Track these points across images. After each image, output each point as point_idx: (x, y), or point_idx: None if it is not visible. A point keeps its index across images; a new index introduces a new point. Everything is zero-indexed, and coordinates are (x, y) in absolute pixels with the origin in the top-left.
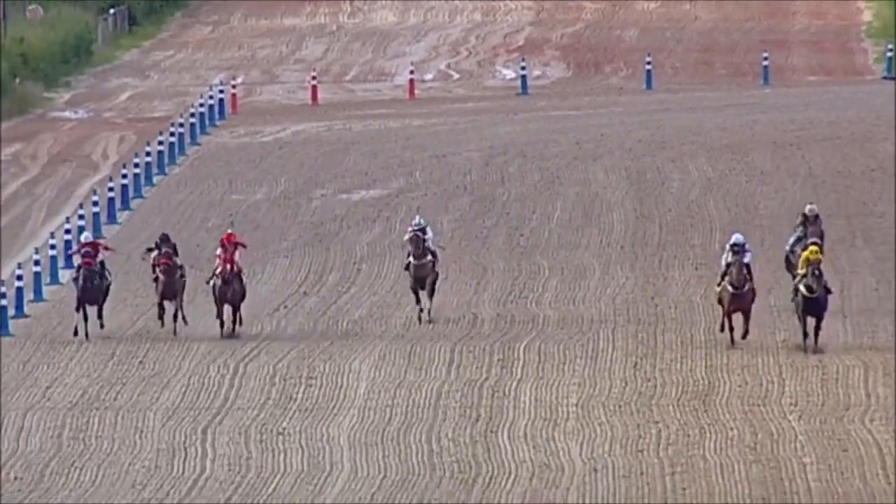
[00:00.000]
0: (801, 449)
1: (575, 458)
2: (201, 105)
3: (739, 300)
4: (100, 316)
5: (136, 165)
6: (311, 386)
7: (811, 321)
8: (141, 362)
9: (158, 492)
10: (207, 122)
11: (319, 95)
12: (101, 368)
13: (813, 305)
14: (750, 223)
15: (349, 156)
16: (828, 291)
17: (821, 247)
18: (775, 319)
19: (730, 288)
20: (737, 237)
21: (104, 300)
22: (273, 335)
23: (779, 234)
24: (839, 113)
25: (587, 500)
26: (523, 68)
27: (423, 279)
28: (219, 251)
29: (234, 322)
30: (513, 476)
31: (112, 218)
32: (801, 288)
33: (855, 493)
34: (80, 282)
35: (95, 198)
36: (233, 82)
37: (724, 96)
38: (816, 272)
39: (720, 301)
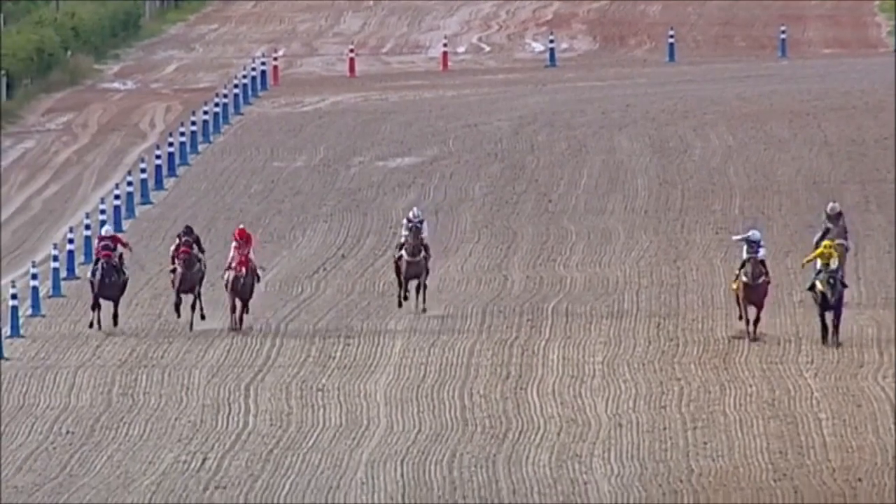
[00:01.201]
0: (816, 405)
1: (601, 413)
2: (244, 76)
3: (754, 292)
4: (115, 313)
5: (182, 134)
6: (349, 345)
7: (829, 316)
8: (187, 321)
9: (203, 445)
10: (250, 92)
11: (357, 67)
12: (148, 328)
13: (830, 301)
14: (768, 189)
15: (385, 125)
16: (843, 286)
17: (846, 247)
18: (792, 281)
19: (744, 278)
20: (753, 233)
21: (121, 295)
22: (313, 296)
23: (795, 199)
24: (853, 84)
25: (612, 454)
26: (551, 41)
27: (415, 276)
28: (233, 244)
29: (240, 317)
30: (541, 431)
31: (159, 184)
32: (818, 283)
33: (868, 446)
34: (98, 276)
35: (143, 165)
36: (274, 55)
37: (743, 68)
38: (833, 268)
39: (736, 293)
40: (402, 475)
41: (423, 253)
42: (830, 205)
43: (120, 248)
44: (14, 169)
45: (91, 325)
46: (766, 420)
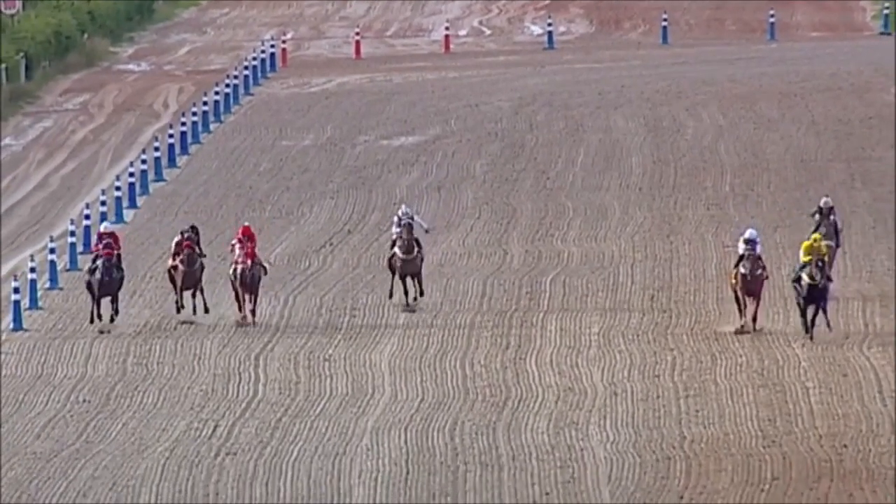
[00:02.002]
0: (804, 374)
1: (597, 382)
2: (254, 59)
3: (752, 284)
4: (115, 310)
5: (194, 114)
6: (354, 316)
7: (811, 310)
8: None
9: (214, 413)
10: (260, 74)
11: (362, 50)
12: (162, 300)
13: (815, 294)
14: (757, 167)
15: (390, 105)
16: (829, 280)
17: (837, 240)
18: (780, 255)
19: (743, 270)
20: (751, 232)
21: (118, 292)
22: (320, 270)
23: (784, 176)
24: (839, 66)
25: (608, 421)
26: (550, 25)
27: (409, 274)
28: (234, 242)
29: (252, 310)
30: (540, 399)
31: (172, 163)
32: (804, 276)
33: (853, 414)
34: (98, 274)
35: (157, 144)
36: (283, 38)
37: (734, 50)
38: (820, 263)
39: (734, 286)
40: (405, 442)
41: (416, 250)
42: (824, 199)
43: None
44: (33, 147)
45: (92, 320)
46: (756, 389)
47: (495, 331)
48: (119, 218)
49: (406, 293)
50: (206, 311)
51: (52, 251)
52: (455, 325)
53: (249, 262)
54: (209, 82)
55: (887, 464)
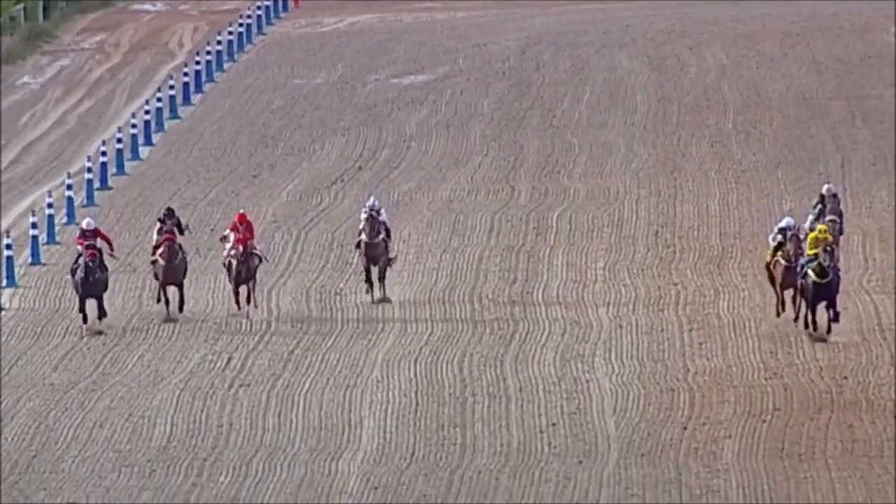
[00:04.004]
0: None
1: (602, 316)
2: None
3: (792, 275)
4: (101, 310)
5: (209, 53)
6: None
7: (819, 307)
8: (213, 230)
9: (228, 346)
10: (272, 14)
11: None
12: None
13: (823, 291)
14: (759, 105)
15: (400, 44)
16: (837, 276)
17: (840, 226)
18: (782, 191)
19: (783, 262)
20: (788, 221)
21: (104, 292)
22: (331, 206)
23: (785, 114)
24: (840, 6)
25: (613, 354)
26: None
27: (375, 258)
28: (228, 233)
29: (248, 301)
30: (546, 332)
31: (187, 100)
32: (811, 272)
33: (853, 346)
34: (82, 275)
35: (172, 82)
36: None
37: None
38: (828, 248)
39: (772, 277)
40: (415, 374)
41: (381, 235)
42: (826, 186)
43: (100, 241)
44: (51, 86)
45: (80, 327)
46: (758, 322)
47: (503, 265)
48: (135, 155)
49: (370, 282)
50: (181, 309)
51: (69, 187)
52: (463, 260)
53: (241, 248)
54: (223, 22)
55: (886, 395)
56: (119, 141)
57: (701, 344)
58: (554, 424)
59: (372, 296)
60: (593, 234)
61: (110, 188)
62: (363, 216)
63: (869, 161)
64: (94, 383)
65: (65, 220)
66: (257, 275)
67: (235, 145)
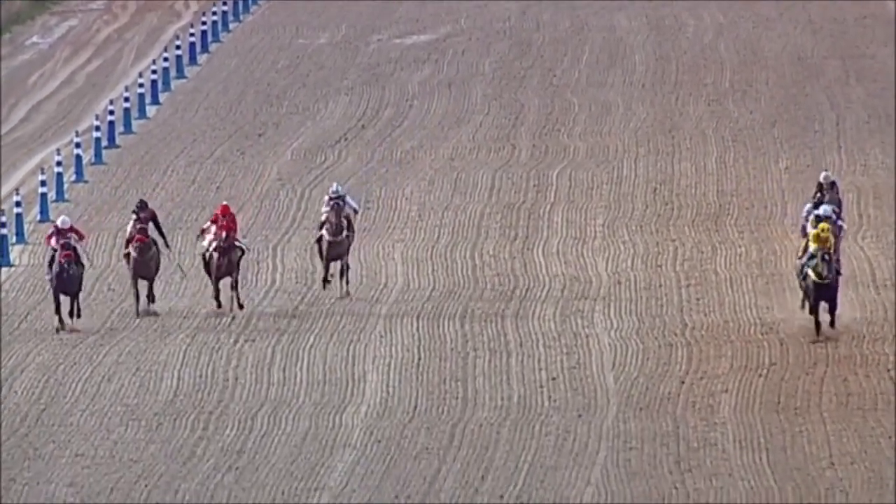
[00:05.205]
0: None
1: (601, 272)
2: None
3: (825, 290)
4: (76, 307)
5: (215, 14)
6: (368, 208)
7: (821, 307)
8: (219, 187)
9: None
10: None
11: None
12: (183, 193)
13: (824, 291)
14: (756, 64)
15: (402, 5)
16: (838, 273)
17: (838, 215)
18: (778, 150)
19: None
20: (825, 209)
21: (79, 289)
22: (335, 164)
23: (781, 73)
24: None
25: (612, 309)
26: None
27: (339, 257)
28: (208, 225)
29: (231, 299)
30: (546, 288)
31: (193, 60)
32: (811, 273)
33: (848, 301)
34: (56, 271)
35: (178, 42)
36: None
37: None
38: (826, 256)
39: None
40: (417, 329)
41: (345, 232)
42: (824, 174)
43: (74, 239)
44: (59, 45)
45: (59, 322)
46: (755, 278)
47: (504, 222)
48: (142, 113)
49: (326, 279)
50: (151, 303)
51: (77, 146)
52: (465, 217)
53: (223, 240)
54: None
55: (880, 350)
56: (126, 100)
57: (698, 299)
58: (554, 379)
59: (325, 284)
60: (592, 191)
61: (118, 146)
62: (326, 207)
63: (863, 119)
64: (101, 338)
65: (73, 177)
66: (241, 268)
67: (241, 104)
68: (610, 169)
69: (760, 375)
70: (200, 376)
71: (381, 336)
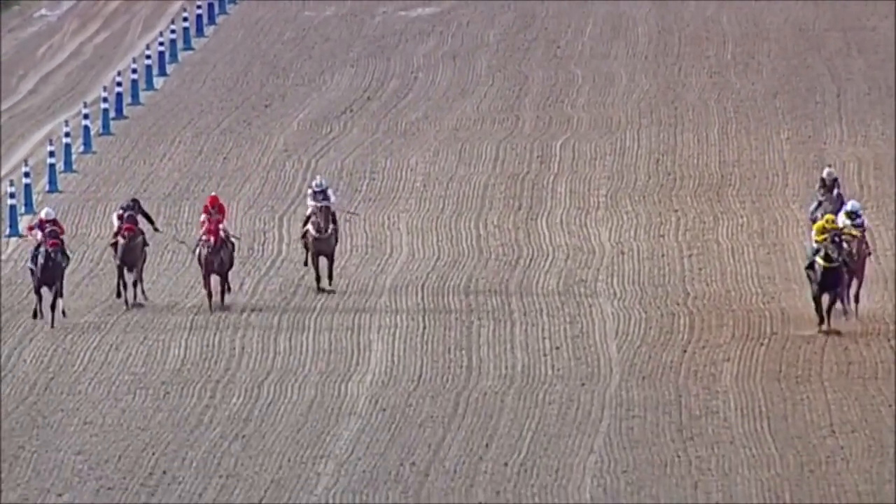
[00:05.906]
0: (801, 234)
1: (604, 242)
2: None
3: (854, 265)
4: (59, 296)
5: None
6: (374, 179)
7: (826, 298)
8: (225, 158)
9: (241, 271)
10: None
11: None
12: (190, 163)
13: (831, 277)
14: (758, 36)
15: None
16: (845, 264)
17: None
18: (780, 121)
19: (821, 261)
20: (853, 204)
21: (61, 281)
22: (341, 135)
23: (783, 45)
24: None
25: (615, 279)
26: None
27: (326, 253)
28: (203, 217)
29: (222, 293)
30: (550, 258)
31: (200, 32)
32: (818, 259)
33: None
34: (41, 261)
35: (185, 14)
36: None
37: None
38: (836, 239)
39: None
40: (422, 298)
41: (331, 227)
42: (826, 170)
43: (56, 232)
44: (68, 17)
45: (34, 315)
46: (756, 248)
47: (508, 192)
48: (150, 85)
49: (318, 278)
50: (145, 297)
51: (85, 117)
52: (470, 187)
53: (212, 238)
54: None
55: (880, 318)
56: (134, 71)
57: (700, 269)
58: (557, 348)
59: (318, 284)
60: (596, 162)
61: (125, 118)
62: (310, 202)
63: (864, 91)
64: (109, 307)
65: (81, 148)
66: (232, 266)
67: (247, 76)
68: (613, 140)
69: (762, 344)
70: (207, 345)
71: (386, 305)
